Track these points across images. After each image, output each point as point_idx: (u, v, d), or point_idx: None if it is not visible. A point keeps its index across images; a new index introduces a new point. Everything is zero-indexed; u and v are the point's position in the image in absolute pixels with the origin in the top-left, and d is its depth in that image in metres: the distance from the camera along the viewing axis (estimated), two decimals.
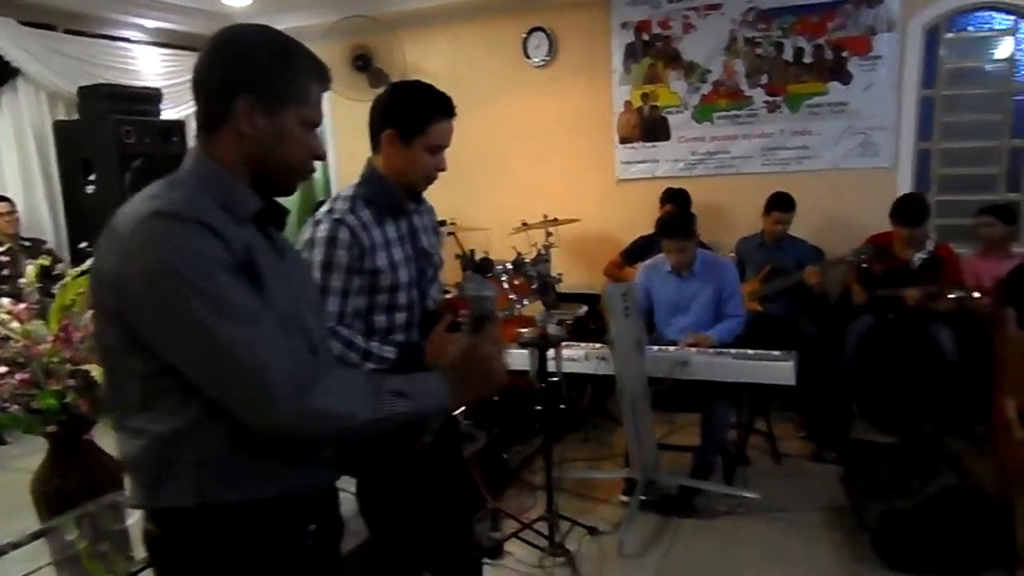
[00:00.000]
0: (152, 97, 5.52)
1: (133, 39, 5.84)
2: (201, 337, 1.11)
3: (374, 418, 1.21)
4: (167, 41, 6.07)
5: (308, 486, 1.32)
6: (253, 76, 1.24)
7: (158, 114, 5.55)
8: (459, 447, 2.38)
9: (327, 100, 6.29)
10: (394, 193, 1.94)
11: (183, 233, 1.12)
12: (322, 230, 1.86)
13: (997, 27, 4.74)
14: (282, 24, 6.00)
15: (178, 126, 5.54)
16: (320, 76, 1.32)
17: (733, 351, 3.48)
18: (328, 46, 5.83)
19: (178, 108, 5.96)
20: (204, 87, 1.26)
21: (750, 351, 3.46)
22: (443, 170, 1.96)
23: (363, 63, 5.91)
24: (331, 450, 1.38)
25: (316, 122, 1.33)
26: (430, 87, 1.95)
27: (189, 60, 6.17)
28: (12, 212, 4.94)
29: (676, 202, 4.89)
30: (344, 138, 6.41)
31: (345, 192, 1.96)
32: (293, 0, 5.83)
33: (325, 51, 5.81)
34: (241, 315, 1.12)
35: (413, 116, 1.89)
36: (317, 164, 1.38)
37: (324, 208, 1.94)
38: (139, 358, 1.16)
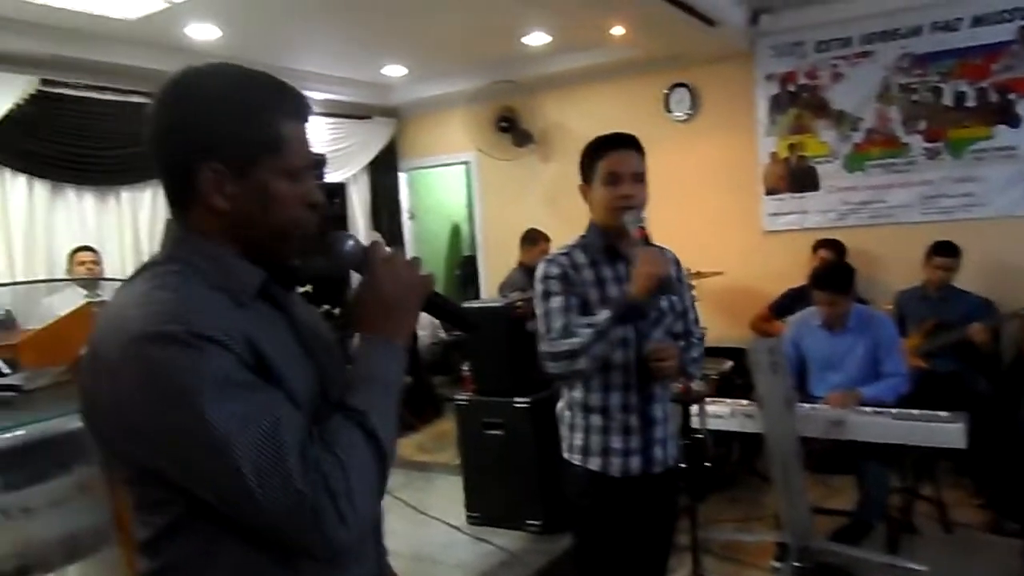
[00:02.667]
0: (318, 162, 5.99)
1: None
2: (225, 470, 0.90)
3: (387, 455, 1.01)
4: (332, 111, 6.53)
5: None
6: (212, 138, 1.00)
7: (322, 178, 6.01)
8: (673, 496, 2.42)
9: (475, 160, 6.58)
10: (602, 236, 2.12)
11: (182, 358, 0.89)
12: (539, 271, 2.13)
13: None
14: (434, 91, 6.46)
15: (339, 188, 5.97)
16: (292, 109, 1.06)
17: (894, 411, 3.29)
18: (476, 110, 6.14)
19: (340, 172, 6.43)
20: (161, 160, 1.03)
21: (914, 411, 3.25)
22: (629, 196, 2.02)
23: (508, 124, 6.16)
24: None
25: (299, 166, 1.06)
26: (603, 135, 2.12)
27: (350, 126, 6.66)
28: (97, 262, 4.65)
29: (831, 250, 4.75)
30: (489, 195, 6.69)
31: (568, 242, 2.19)
32: (443, 69, 6.18)
33: (473, 114, 6.18)
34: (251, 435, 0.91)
35: (586, 162, 2.12)
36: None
37: None
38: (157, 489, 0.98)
